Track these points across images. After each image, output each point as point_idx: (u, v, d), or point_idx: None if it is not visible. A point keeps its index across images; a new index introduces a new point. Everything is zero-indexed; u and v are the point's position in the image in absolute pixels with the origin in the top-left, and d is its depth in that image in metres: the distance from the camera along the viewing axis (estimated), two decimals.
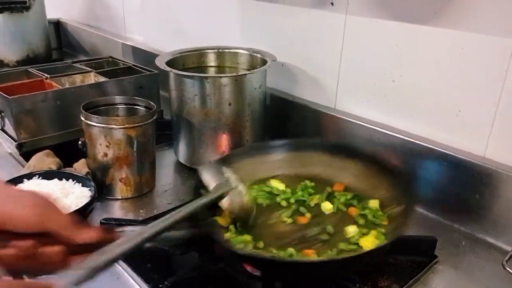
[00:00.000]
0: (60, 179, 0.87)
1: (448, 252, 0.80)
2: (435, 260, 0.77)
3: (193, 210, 0.66)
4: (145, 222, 0.80)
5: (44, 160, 0.97)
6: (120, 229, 0.60)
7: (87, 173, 0.92)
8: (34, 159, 0.97)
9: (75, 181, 0.86)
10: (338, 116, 1.04)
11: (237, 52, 1.16)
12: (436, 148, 0.88)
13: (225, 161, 0.87)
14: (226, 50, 1.17)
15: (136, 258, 0.72)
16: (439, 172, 0.89)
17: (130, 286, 0.70)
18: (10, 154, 1.10)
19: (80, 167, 0.95)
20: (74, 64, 1.33)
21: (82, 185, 0.86)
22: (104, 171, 0.92)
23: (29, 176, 0.87)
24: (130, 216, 0.89)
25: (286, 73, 1.16)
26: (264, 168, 0.90)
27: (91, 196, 0.82)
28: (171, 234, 0.63)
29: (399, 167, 0.82)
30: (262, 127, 1.08)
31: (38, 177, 0.87)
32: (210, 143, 1.02)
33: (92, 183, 0.86)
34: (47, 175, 0.87)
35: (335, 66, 1.04)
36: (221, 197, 0.71)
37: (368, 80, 0.99)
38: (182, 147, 1.07)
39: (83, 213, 0.79)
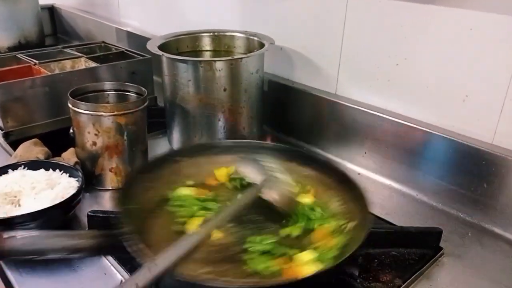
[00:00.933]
0: (47, 169, 0.83)
1: (454, 244, 0.77)
2: (440, 253, 0.74)
3: (244, 205, 0.65)
4: None
5: (32, 149, 0.93)
6: (11, 233, 0.56)
7: (76, 162, 0.88)
8: (21, 148, 0.93)
9: (62, 172, 0.82)
10: (339, 101, 1.00)
11: (233, 36, 1.11)
12: (442, 135, 0.84)
13: (171, 155, 0.81)
14: (222, 34, 1.12)
15: (124, 253, 0.68)
16: (444, 160, 0.85)
17: (118, 282, 0.67)
18: None
19: (69, 156, 0.91)
20: (65, 50, 1.28)
21: (70, 176, 0.82)
22: (94, 160, 0.88)
23: (14, 166, 0.83)
24: None
25: (285, 57, 1.11)
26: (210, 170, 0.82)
27: (78, 187, 0.78)
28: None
29: (354, 179, 0.74)
30: (259, 113, 1.03)
31: (24, 168, 0.83)
32: (205, 130, 0.98)
33: (80, 174, 0.82)
34: (33, 165, 0.83)
35: (336, 50, 0.99)
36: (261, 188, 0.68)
37: (371, 63, 0.94)
38: (176, 135, 1.03)
39: (69, 204, 0.75)
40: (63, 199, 0.74)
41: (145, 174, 0.74)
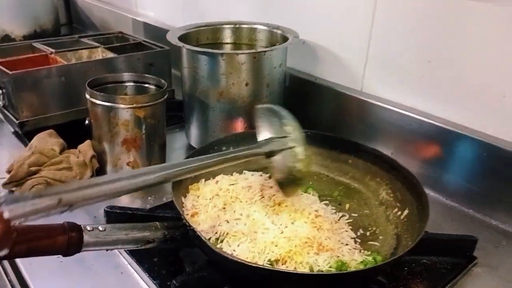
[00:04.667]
0: None
1: (487, 253, 0.72)
2: (474, 262, 0.69)
3: (239, 158, 0.62)
4: (152, 211, 0.73)
5: (47, 140, 0.91)
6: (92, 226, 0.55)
7: (92, 155, 0.86)
8: (36, 139, 0.91)
9: None
10: (365, 99, 0.95)
11: (255, 28, 1.07)
12: (475, 137, 0.80)
13: (211, 147, 0.81)
14: (243, 26, 1.08)
15: (141, 251, 0.65)
16: (477, 163, 0.81)
17: (135, 282, 0.64)
18: (13, 133, 1.05)
19: (85, 149, 0.88)
20: (82, 39, 1.25)
21: None
22: (111, 154, 0.86)
23: None
24: (137, 204, 0.81)
25: (308, 51, 1.07)
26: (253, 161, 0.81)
27: None
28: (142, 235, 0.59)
29: (405, 168, 0.75)
30: None
31: None
32: (224, 126, 0.94)
33: None
34: None
35: (363, 43, 0.95)
36: (272, 153, 0.64)
37: (402, 59, 0.89)
38: (194, 130, 0.99)
39: None
40: None
41: None
